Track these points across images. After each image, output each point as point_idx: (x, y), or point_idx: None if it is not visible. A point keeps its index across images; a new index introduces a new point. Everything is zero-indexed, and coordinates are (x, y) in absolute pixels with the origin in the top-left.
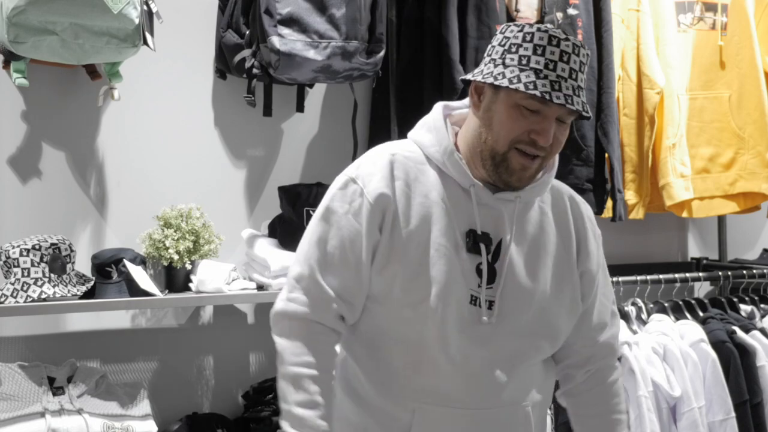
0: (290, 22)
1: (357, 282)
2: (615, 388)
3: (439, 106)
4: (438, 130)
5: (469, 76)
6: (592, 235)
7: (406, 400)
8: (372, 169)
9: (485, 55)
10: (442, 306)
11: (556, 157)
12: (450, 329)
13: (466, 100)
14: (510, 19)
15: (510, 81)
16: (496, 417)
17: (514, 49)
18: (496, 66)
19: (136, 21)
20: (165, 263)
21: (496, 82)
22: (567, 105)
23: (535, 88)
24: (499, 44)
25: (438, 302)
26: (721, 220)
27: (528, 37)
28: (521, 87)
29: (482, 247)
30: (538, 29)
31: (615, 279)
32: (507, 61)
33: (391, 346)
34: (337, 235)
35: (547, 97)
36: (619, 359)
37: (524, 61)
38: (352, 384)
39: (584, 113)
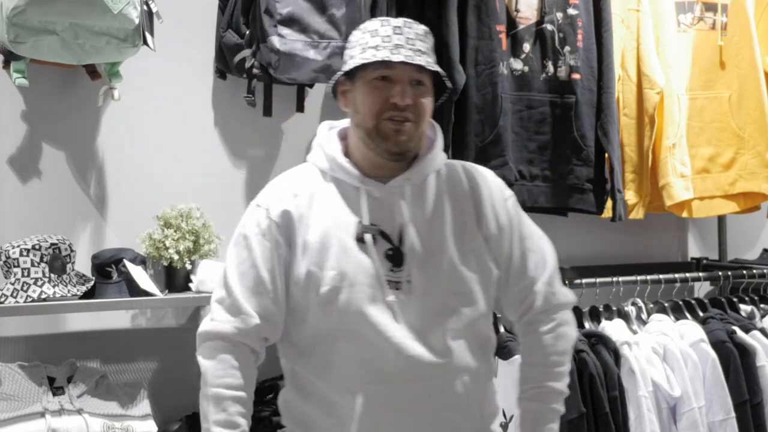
0: (290, 22)
1: (274, 300)
2: (546, 338)
3: (323, 125)
4: (323, 144)
5: (330, 83)
6: (490, 198)
7: (351, 388)
8: (274, 193)
9: None
10: (359, 297)
11: (439, 134)
12: (369, 315)
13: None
14: (510, 19)
15: (354, 64)
16: (435, 387)
17: (356, 45)
18: (346, 65)
19: (136, 21)
20: (165, 263)
21: (344, 69)
22: (408, 61)
23: (376, 57)
24: (346, 49)
25: (353, 294)
26: (721, 220)
27: (363, 30)
28: (364, 61)
29: (367, 237)
30: (370, 20)
31: (615, 279)
32: (353, 54)
33: (327, 344)
34: (250, 257)
35: (387, 59)
36: (619, 359)
37: (365, 47)
38: (305, 388)
39: (431, 68)
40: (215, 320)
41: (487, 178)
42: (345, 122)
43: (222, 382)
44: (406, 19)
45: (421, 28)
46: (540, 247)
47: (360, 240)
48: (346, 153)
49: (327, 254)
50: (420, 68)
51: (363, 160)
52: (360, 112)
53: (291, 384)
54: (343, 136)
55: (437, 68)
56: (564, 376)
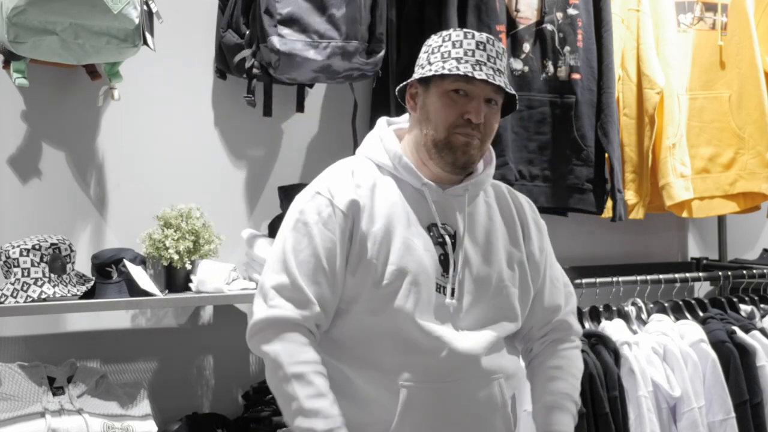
0: (290, 22)
1: (332, 289)
2: (565, 353)
3: (382, 121)
4: (384, 140)
5: (404, 84)
6: (533, 222)
7: (392, 384)
8: (335, 182)
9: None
10: (414, 295)
11: (493, 152)
12: (422, 316)
13: (405, 116)
14: (510, 19)
15: (435, 71)
16: (474, 388)
17: (436, 51)
18: (422, 69)
19: (136, 21)
20: (165, 263)
21: (424, 75)
22: (489, 80)
23: (458, 69)
24: (423, 52)
25: (410, 292)
26: (721, 220)
27: (446, 38)
28: (445, 71)
29: (446, 237)
30: (454, 29)
31: (615, 279)
32: (431, 60)
33: (371, 338)
34: (310, 245)
35: (470, 74)
36: (619, 359)
37: (446, 55)
38: (338, 384)
39: (508, 90)
40: (276, 307)
41: (529, 204)
42: (401, 120)
43: (299, 359)
44: (489, 36)
45: (501, 47)
46: (564, 277)
47: (439, 243)
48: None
49: (389, 248)
50: (497, 88)
51: (418, 161)
52: (432, 120)
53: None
54: (399, 136)
55: (513, 91)
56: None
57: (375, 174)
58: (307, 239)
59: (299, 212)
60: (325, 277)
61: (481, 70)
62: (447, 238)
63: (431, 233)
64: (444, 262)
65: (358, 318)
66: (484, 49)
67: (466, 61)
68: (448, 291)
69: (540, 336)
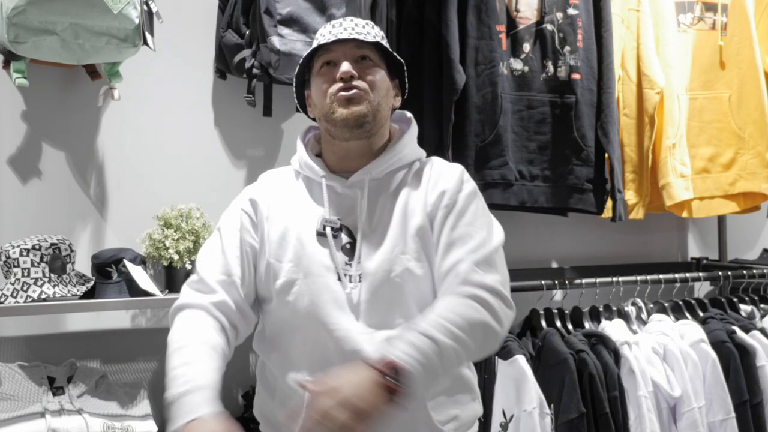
0: (290, 22)
1: (241, 285)
2: (454, 298)
3: (306, 128)
4: (298, 148)
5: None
6: (446, 183)
7: (301, 380)
8: (245, 190)
9: None
10: (310, 287)
11: (411, 130)
12: (324, 307)
13: None
14: (510, 19)
15: (300, 64)
16: None
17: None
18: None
19: (136, 21)
20: (165, 263)
21: (294, 76)
22: (341, 38)
23: (311, 47)
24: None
25: (305, 284)
26: (721, 220)
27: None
28: (303, 54)
29: (327, 230)
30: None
31: (615, 279)
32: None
33: (285, 334)
34: (220, 244)
35: (323, 41)
36: (619, 359)
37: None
38: (267, 382)
39: (367, 39)
40: (183, 295)
41: (453, 168)
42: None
43: (178, 336)
44: (346, 17)
45: (362, 21)
46: (476, 232)
47: (321, 233)
48: (320, 153)
49: (286, 247)
50: (360, 45)
51: (331, 155)
52: (318, 101)
53: (261, 383)
54: (319, 138)
55: (375, 40)
56: (454, 337)
57: (288, 179)
58: (219, 241)
59: (220, 220)
60: (232, 274)
61: (334, 36)
62: (327, 230)
63: (319, 225)
64: (349, 250)
65: (275, 317)
66: (341, 25)
67: (323, 38)
68: (345, 278)
69: (440, 288)
